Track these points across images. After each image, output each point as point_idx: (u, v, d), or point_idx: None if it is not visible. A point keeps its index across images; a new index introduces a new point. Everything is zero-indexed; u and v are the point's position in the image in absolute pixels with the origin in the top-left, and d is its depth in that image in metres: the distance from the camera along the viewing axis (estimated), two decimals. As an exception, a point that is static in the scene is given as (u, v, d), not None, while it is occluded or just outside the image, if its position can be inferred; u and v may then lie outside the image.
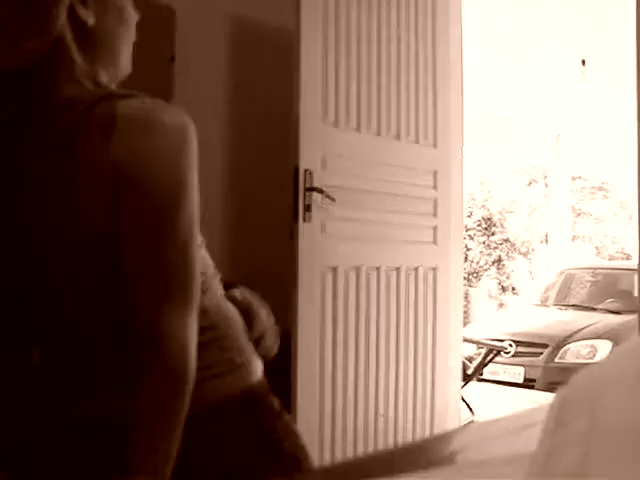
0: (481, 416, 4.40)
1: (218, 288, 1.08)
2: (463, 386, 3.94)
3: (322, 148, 2.67)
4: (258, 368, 1.09)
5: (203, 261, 1.02)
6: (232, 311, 1.09)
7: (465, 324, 5.77)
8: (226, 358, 1.03)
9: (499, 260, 13.81)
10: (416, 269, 3.03)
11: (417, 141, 3.05)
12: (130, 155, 0.87)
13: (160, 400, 0.88)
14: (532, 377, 5.97)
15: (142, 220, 0.89)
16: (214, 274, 1.07)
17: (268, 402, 1.08)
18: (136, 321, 0.89)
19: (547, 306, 7.28)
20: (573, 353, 6.04)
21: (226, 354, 1.03)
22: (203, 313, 0.97)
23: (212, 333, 1.01)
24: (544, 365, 5.98)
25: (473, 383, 4.93)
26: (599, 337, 6.11)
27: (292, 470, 1.05)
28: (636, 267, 3.79)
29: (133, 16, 1.04)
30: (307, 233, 2.59)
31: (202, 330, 0.95)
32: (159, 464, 0.88)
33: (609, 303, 6.90)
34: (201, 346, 0.93)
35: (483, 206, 13.77)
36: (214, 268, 1.08)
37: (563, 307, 7.13)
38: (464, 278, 4.23)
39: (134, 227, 0.89)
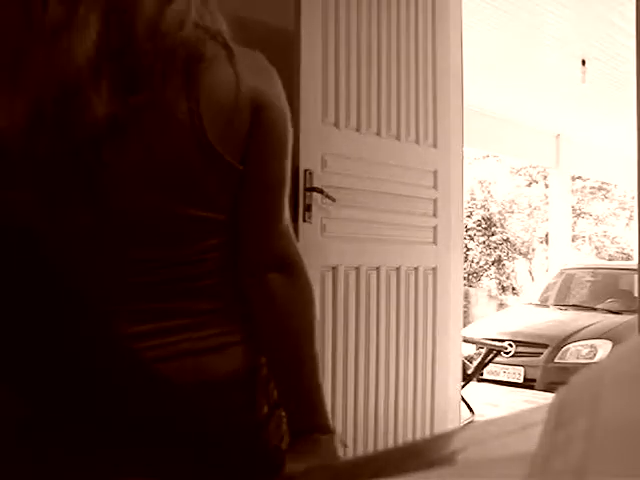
0: (481, 416, 4.40)
1: None
2: (463, 386, 3.95)
3: (322, 148, 2.67)
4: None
5: None
6: None
7: (465, 324, 5.77)
8: (244, 327, 1.03)
9: (499, 260, 13.83)
10: (416, 269, 3.03)
11: (417, 141, 3.05)
12: (267, 86, 1.00)
13: (304, 315, 1.00)
14: (532, 377, 5.98)
15: (267, 143, 0.98)
16: None
17: (268, 385, 1.07)
18: (263, 244, 0.99)
19: (547, 306, 7.29)
20: (573, 353, 6.05)
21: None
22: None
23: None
24: (544, 365, 5.98)
25: (473, 383, 4.93)
26: (599, 337, 6.12)
27: (273, 466, 1.04)
28: (636, 267, 3.79)
29: None
30: (307, 233, 2.59)
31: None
32: (320, 386, 0.99)
33: (609, 303, 6.91)
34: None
35: (483, 206, 13.79)
36: None
37: (563, 307, 7.13)
38: (464, 278, 4.24)
39: (261, 147, 0.98)
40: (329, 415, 0.99)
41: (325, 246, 2.68)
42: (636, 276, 5.92)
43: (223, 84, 0.95)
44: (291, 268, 1.02)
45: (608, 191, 15.09)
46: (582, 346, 6.08)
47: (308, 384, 0.99)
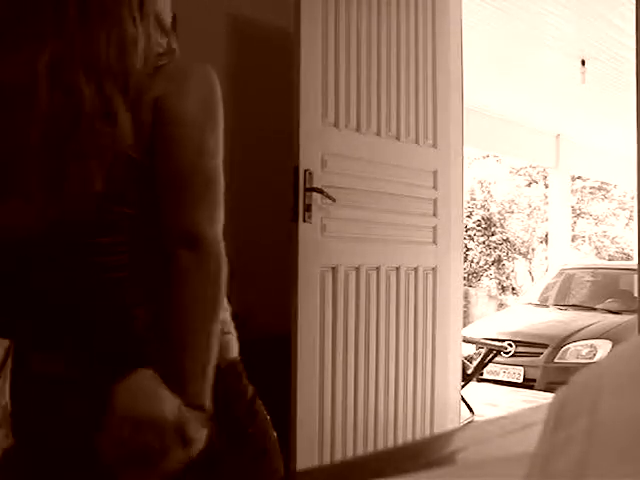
0: (481, 416, 4.40)
1: None
2: (463, 386, 3.94)
3: (322, 148, 2.67)
4: (236, 347, 1.14)
5: None
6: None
7: (465, 324, 5.77)
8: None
9: (499, 260, 13.82)
10: (416, 269, 3.03)
11: (417, 141, 3.05)
12: (167, 90, 1.07)
13: (201, 289, 1.04)
14: (532, 377, 5.97)
15: (175, 138, 1.07)
16: None
17: (242, 382, 1.11)
18: (174, 224, 1.06)
19: (547, 306, 7.28)
20: (573, 353, 6.04)
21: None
22: None
23: None
24: (544, 365, 5.97)
25: (473, 383, 4.93)
26: (599, 337, 6.11)
27: (254, 458, 1.07)
28: (636, 267, 3.79)
29: None
30: (307, 233, 2.59)
31: None
32: (204, 361, 0.98)
33: (609, 303, 6.90)
34: None
35: (483, 206, 13.78)
36: None
37: (563, 307, 7.13)
38: (464, 278, 4.23)
39: (169, 143, 1.07)
40: (206, 394, 0.98)
41: (325, 246, 2.68)
42: (636, 276, 5.91)
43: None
44: (199, 251, 1.08)
45: (608, 191, 15.08)
46: (582, 346, 6.07)
47: (184, 357, 1.00)
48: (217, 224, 1.13)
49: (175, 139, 1.07)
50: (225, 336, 1.10)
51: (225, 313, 1.12)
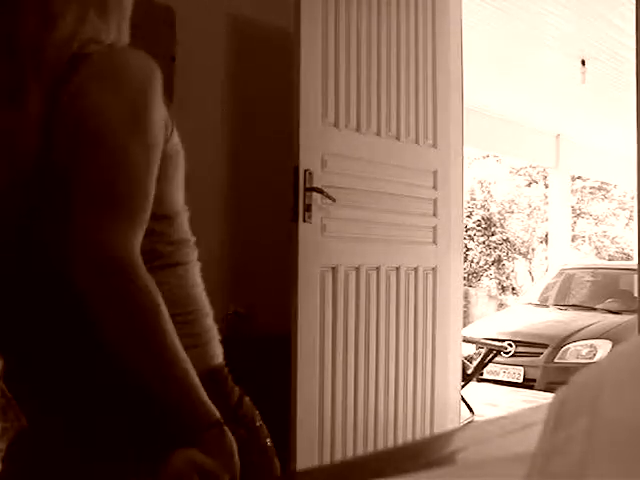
0: (481, 416, 4.40)
1: (192, 263, 1.07)
2: (463, 386, 3.94)
3: (322, 148, 2.67)
4: (219, 352, 1.08)
5: (180, 228, 1.05)
6: (200, 290, 1.09)
7: (465, 324, 5.77)
8: (191, 332, 1.02)
9: (499, 260, 13.82)
10: (416, 269, 3.03)
11: (417, 141, 3.05)
12: (89, 85, 0.94)
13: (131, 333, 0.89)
14: (532, 377, 5.97)
15: (90, 144, 0.93)
16: (190, 251, 1.07)
17: (226, 388, 1.06)
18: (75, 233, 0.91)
19: (547, 306, 7.28)
20: (573, 353, 6.04)
21: (192, 328, 1.03)
22: (169, 285, 1.00)
23: (179, 308, 1.01)
24: (544, 365, 5.98)
25: (473, 383, 4.93)
26: (599, 337, 6.11)
27: (243, 464, 1.04)
28: (636, 267, 3.79)
29: None
30: (307, 233, 2.59)
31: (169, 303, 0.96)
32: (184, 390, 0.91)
33: (609, 303, 6.90)
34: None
35: (483, 206, 13.78)
36: (192, 244, 1.08)
37: (563, 307, 7.13)
38: (464, 278, 4.23)
39: (83, 148, 0.93)
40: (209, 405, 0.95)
41: (325, 246, 2.68)
42: (636, 276, 5.91)
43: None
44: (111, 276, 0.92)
45: (608, 191, 15.08)
46: (582, 346, 6.07)
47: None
48: (134, 240, 0.91)
49: (90, 145, 0.93)
50: (208, 343, 1.05)
51: (207, 318, 1.07)
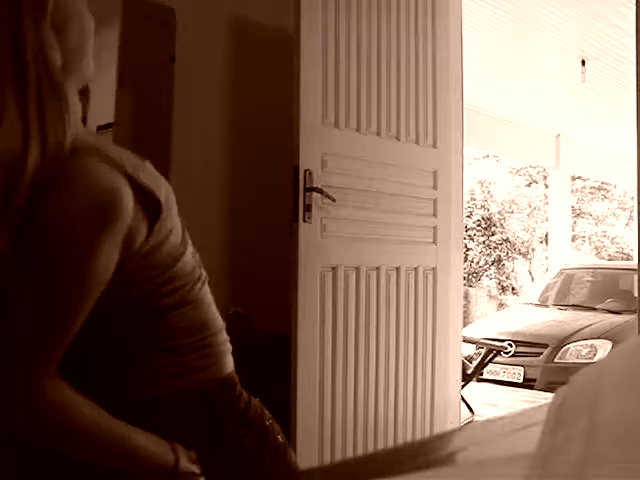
0: (481, 416, 4.40)
1: (204, 288, 1.08)
2: (463, 386, 3.94)
3: (322, 148, 2.67)
4: (229, 362, 1.10)
5: (184, 267, 1.04)
6: (213, 310, 1.10)
7: (465, 324, 5.77)
8: (204, 354, 1.06)
9: (499, 260, 13.82)
10: (416, 269, 3.03)
11: (417, 141, 3.05)
12: (44, 210, 0.87)
13: None
14: (532, 377, 5.97)
15: (31, 273, 0.89)
16: (197, 279, 1.07)
17: (234, 395, 1.09)
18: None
19: (547, 306, 7.28)
20: (573, 353, 6.05)
21: (206, 350, 1.06)
22: (175, 317, 1.02)
23: (195, 335, 1.05)
24: (544, 365, 5.98)
25: (473, 383, 4.93)
26: (599, 337, 6.11)
27: (254, 467, 1.06)
28: (636, 267, 3.79)
29: (89, 17, 1.02)
30: (307, 233, 2.59)
31: (171, 333, 1.02)
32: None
33: (609, 303, 6.90)
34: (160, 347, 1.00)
35: (483, 206, 13.78)
36: (199, 269, 1.08)
37: (563, 307, 7.13)
38: (464, 278, 4.23)
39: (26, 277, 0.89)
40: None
41: (325, 246, 2.68)
42: (636, 276, 5.91)
43: None
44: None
45: (608, 191, 15.08)
46: (582, 346, 6.07)
47: None
48: (49, 369, 0.89)
49: (41, 253, 0.88)
50: (221, 359, 1.08)
51: (220, 334, 1.10)
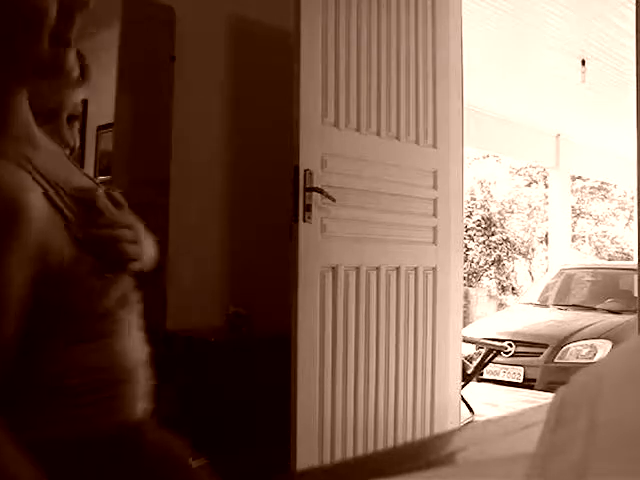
0: (481, 416, 4.40)
1: (125, 327, 0.97)
2: (463, 386, 3.94)
3: (322, 148, 2.67)
4: (142, 404, 0.98)
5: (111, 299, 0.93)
6: (130, 352, 0.97)
7: (465, 324, 5.77)
8: (77, 402, 0.91)
9: (499, 260, 13.82)
10: (416, 269, 3.03)
11: (417, 141, 3.05)
12: None
13: None
14: (532, 377, 5.97)
15: None
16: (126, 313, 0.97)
17: (140, 449, 0.97)
18: None
19: (547, 306, 7.28)
20: (573, 353, 6.05)
21: (82, 399, 0.92)
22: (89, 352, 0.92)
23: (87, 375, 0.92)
24: (544, 365, 5.98)
25: (473, 383, 4.93)
26: (599, 337, 6.11)
27: None
28: (636, 267, 3.79)
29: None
30: (307, 233, 2.59)
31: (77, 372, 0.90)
32: None
33: (609, 303, 6.90)
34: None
35: (483, 206, 13.78)
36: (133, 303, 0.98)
37: (563, 307, 7.13)
38: (464, 278, 4.23)
39: None
40: None
41: (325, 246, 2.68)
42: (636, 276, 5.91)
43: None
44: None
45: (608, 191, 15.08)
46: (582, 346, 6.07)
47: None
48: None
49: None
50: (129, 396, 0.95)
51: (131, 383, 0.96)
